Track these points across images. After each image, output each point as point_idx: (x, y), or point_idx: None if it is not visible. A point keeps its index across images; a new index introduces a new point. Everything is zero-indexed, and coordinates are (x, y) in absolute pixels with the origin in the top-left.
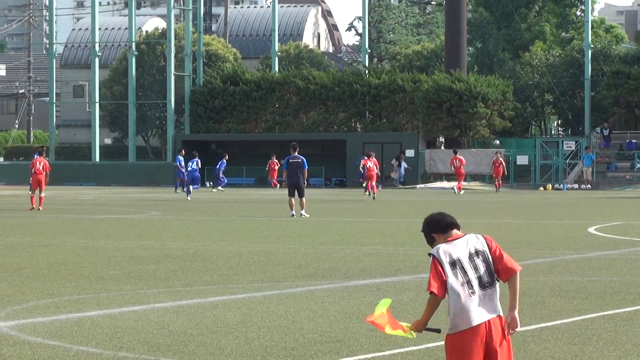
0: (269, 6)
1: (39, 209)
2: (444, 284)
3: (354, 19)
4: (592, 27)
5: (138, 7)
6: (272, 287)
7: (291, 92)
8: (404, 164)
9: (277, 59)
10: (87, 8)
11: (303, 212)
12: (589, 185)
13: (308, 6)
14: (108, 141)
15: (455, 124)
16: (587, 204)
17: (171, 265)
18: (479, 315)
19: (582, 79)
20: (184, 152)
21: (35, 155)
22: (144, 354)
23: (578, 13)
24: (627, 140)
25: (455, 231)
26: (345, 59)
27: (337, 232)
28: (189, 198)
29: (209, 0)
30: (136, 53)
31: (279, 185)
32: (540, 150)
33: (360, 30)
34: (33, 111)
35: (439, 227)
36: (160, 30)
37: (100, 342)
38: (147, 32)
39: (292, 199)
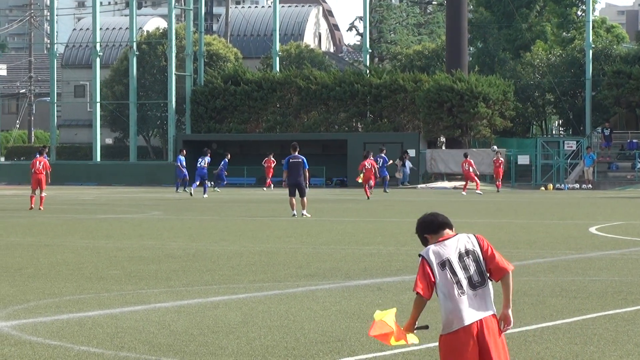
0: (270, 6)
1: (39, 209)
2: (430, 284)
3: (355, 19)
4: (593, 27)
5: (139, 7)
6: (273, 287)
7: (292, 92)
8: (408, 164)
9: (278, 58)
10: (88, 8)
11: (304, 212)
12: (590, 185)
13: (309, 6)
14: (109, 141)
15: (456, 124)
16: (588, 203)
17: (172, 265)
18: (470, 315)
19: (583, 79)
20: (185, 152)
21: (36, 155)
22: (145, 354)
23: (579, 13)
24: (628, 140)
25: (447, 231)
26: (346, 59)
27: (338, 232)
28: (205, 195)
29: (209, 0)
30: (137, 53)
31: (272, 185)
32: (541, 150)
33: (361, 30)
34: (34, 111)
35: (430, 228)
36: (161, 30)
37: (101, 342)
38: (148, 32)
39: (293, 199)
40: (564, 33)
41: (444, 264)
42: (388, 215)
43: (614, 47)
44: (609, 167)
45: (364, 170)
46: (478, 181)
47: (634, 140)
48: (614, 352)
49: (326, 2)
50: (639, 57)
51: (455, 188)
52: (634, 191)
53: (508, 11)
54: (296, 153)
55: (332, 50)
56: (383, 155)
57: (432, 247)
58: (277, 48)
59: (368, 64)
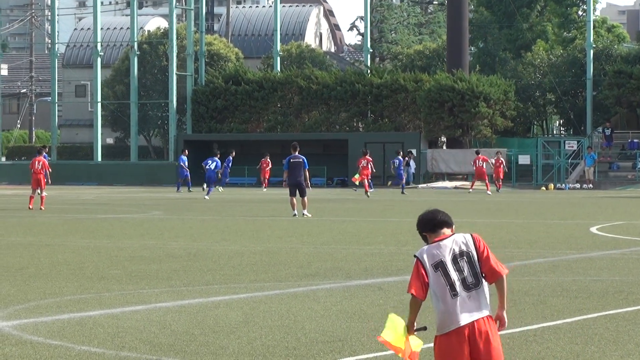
0: (270, 6)
1: (40, 209)
2: (424, 285)
3: (356, 19)
4: (594, 27)
5: (140, 6)
6: (274, 286)
7: (293, 92)
8: (412, 164)
9: (279, 58)
10: (89, 8)
11: (305, 211)
12: (590, 185)
13: (310, 6)
14: (110, 141)
15: (457, 124)
16: (589, 203)
17: (173, 265)
18: (462, 317)
19: (584, 79)
20: (187, 152)
21: (36, 155)
22: (146, 354)
23: (580, 13)
24: (629, 140)
25: (445, 230)
26: (347, 59)
27: (339, 231)
28: (206, 197)
29: (210, 0)
30: (138, 53)
31: (266, 187)
32: (542, 150)
33: (362, 30)
34: (35, 111)
35: (427, 226)
36: (162, 30)
37: (102, 341)
38: (149, 31)
39: (294, 199)
40: (565, 33)
41: (438, 265)
42: (389, 215)
43: (615, 47)
44: (609, 167)
45: (360, 168)
46: (488, 182)
47: (635, 140)
48: (614, 351)
49: (327, 2)
50: (639, 57)
51: (456, 188)
52: (635, 191)
53: (509, 11)
54: (297, 153)
55: (333, 50)
56: (399, 157)
57: (427, 248)
58: (278, 48)
59: (369, 63)
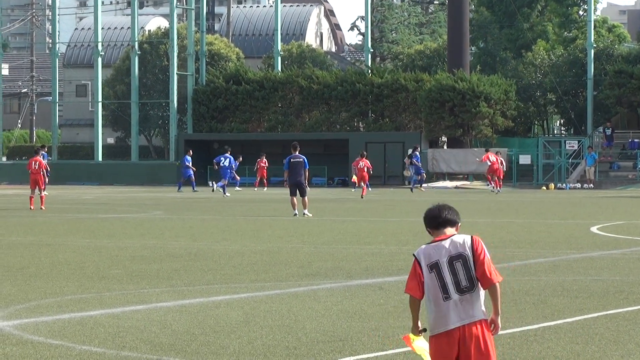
0: (271, 6)
1: (41, 208)
2: (420, 284)
3: (357, 19)
4: (595, 27)
5: (141, 6)
6: (274, 286)
7: (294, 92)
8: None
9: (279, 58)
10: (90, 7)
11: (305, 211)
12: (591, 185)
13: (311, 5)
14: (111, 140)
15: (458, 124)
16: (590, 203)
17: (174, 265)
18: (453, 320)
19: (585, 79)
20: (191, 152)
21: (34, 155)
22: (147, 353)
23: (580, 12)
24: (630, 140)
25: (447, 230)
26: (348, 59)
27: (340, 231)
28: (226, 195)
29: None
30: (139, 52)
31: (257, 187)
32: (542, 149)
33: (362, 30)
34: (36, 110)
35: (431, 223)
36: (162, 30)
37: (103, 341)
38: (149, 31)
39: (294, 199)
40: (566, 33)
41: (433, 266)
42: (389, 214)
43: (616, 46)
44: (610, 166)
45: (356, 170)
46: (497, 180)
47: (636, 140)
48: (615, 351)
49: (328, 2)
50: None
51: (457, 187)
52: (636, 191)
53: (509, 11)
54: (297, 153)
55: (333, 49)
56: (417, 153)
57: (424, 248)
58: (279, 47)
59: (370, 63)
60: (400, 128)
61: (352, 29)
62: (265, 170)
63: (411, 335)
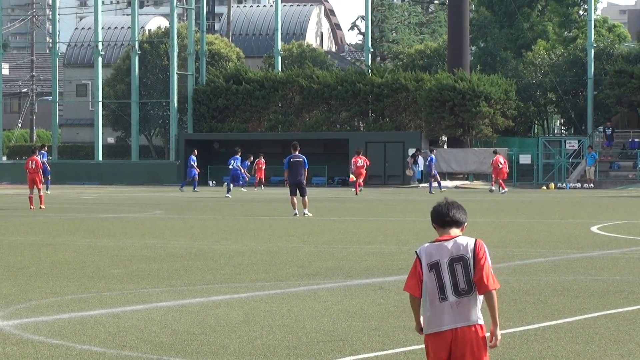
0: (271, 5)
1: (41, 207)
2: (420, 282)
3: (357, 18)
4: (595, 26)
5: (141, 6)
6: (274, 286)
7: (294, 91)
8: (421, 161)
9: (280, 58)
10: (90, 7)
11: (306, 211)
12: (591, 185)
13: (311, 5)
14: (111, 140)
15: (458, 123)
16: (590, 203)
17: (174, 264)
18: (447, 321)
19: (585, 78)
20: (197, 152)
21: (31, 155)
22: (147, 353)
23: (581, 12)
24: (630, 139)
25: (453, 230)
26: (348, 58)
27: (340, 231)
28: (228, 195)
29: None
30: (139, 52)
31: (248, 186)
32: (542, 149)
33: (363, 30)
34: (36, 110)
35: (437, 220)
36: (163, 29)
37: (103, 341)
38: (150, 31)
39: (294, 198)
40: (566, 32)
41: (433, 266)
42: (389, 214)
43: (616, 46)
44: (610, 166)
45: (353, 168)
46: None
47: (636, 140)
48: (615, 351)
49: (328, 2)
50: None
51: (457, 187)
52: (636, 190)
53: (510, 10)
54: (297, 152)
55: (333, 49)
56: (432, 155)
57: (427, 246)
58: (279, 47)
59: (370, 63)
60: (400, 128)
61: (352, 28)
62: (263, 171)
63: None
